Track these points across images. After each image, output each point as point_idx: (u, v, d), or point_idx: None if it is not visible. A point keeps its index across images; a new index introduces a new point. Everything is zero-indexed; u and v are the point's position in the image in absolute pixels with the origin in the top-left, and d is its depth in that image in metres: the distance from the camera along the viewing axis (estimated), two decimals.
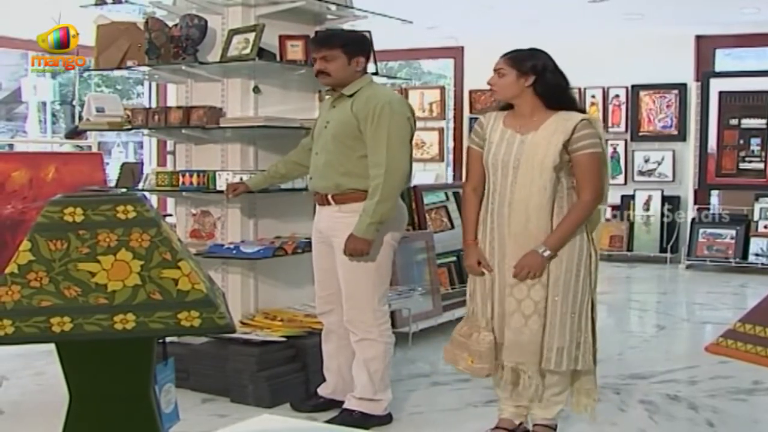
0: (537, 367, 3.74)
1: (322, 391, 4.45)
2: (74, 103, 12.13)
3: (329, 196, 4.13)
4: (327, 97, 4.37)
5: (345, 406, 4.27)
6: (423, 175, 11.39)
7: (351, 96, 4.11)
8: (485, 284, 3.81)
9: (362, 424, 4.05)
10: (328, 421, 3.97)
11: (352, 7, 5.38)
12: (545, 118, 3.72)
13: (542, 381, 3.84)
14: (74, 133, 8.69)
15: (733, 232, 9.89)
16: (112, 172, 8.13)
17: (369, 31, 5.11)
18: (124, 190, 5.18)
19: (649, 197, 10.52)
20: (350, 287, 4.13)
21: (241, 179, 4.66)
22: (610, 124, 10.82)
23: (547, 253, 3.64)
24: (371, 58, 4.51)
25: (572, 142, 3.66)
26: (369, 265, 4.09)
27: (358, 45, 4.17)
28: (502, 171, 3.74)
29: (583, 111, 3.87)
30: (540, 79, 3.72)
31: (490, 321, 3.79)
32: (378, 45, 5.25)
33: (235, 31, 4.84)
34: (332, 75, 4.10)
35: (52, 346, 1.49)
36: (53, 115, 14.74)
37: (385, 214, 4.00)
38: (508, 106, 3.86)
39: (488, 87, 3.86)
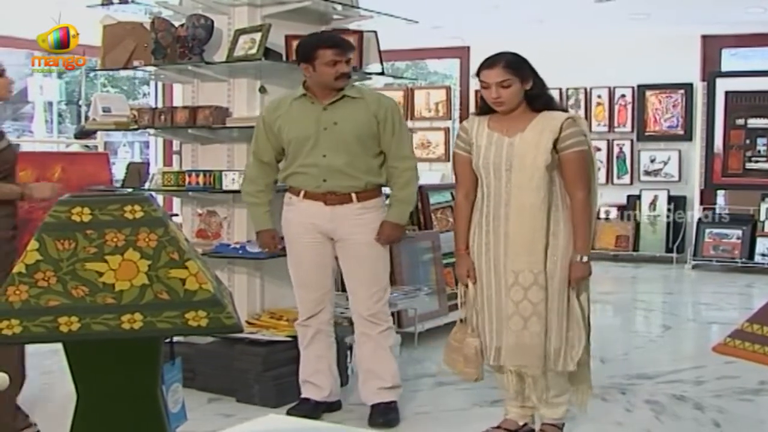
0: (541, 370, 3.75)
1: (316, 395, 4.39)
2: (80, 103, 12.15)
3: (352, 195, 4.17)
4: (289, 101, 4.24)
5: (379, 400, 4.31)
6: (429, 175, 11.36)
7: (357, 98, 4.18)
8: (482, 290, 3.83)
9: (396, 415, 4.33)
10: (372, 425, 4.19)
11: (358, 7, 5.38)
12: (530, 119, 3.75)
13: (546, 382, 3.86)
14: (83, 134, 8.70)
15: (740, 232, 9.87)
16: (119, 172, 8.14)
17: (375, 31, 5.13)
18: (130, 189, 5.20)
19: (655, 197, 10.50)
20: (374, 281, 4.26)
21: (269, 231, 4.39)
22: (616, 124, 10.82)
23: (585, 258, 3.69)
24: (377, 59, 4.56)
25: (560, 140, 3.69)
26: (386, 255, 4.30)
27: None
28: (495, 174, 3.75)
29: (565, 110, 3.91)
30: (536, 84, 3.75)
31: (475, 328, 3.86)
32: (384, 45, 5.25)
33: (241, 31, 4.84)
34: (350, 77, 4.25)
35: (58, 346, 1.49)
36: (59, 115, 14.76)
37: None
38: (487, 111, 3.84)
39: (493, 101, 3.74)
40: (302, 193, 4.21)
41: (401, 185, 4.24)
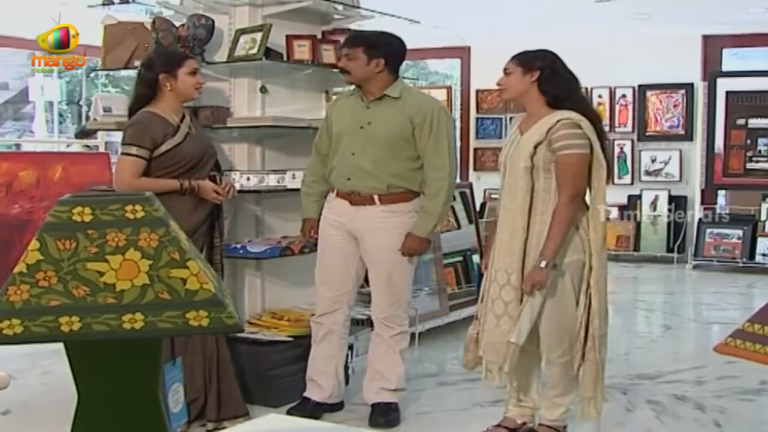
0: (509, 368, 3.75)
1: (318, 396, 4.39)
2: (81, 102, 12.16)
3: (375, 196, 4.16)
4: (346, 96, 4.35)
5: (380, 400, 4.32)
6: None
7: (396, 98, 4.15)
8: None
9: (397, 415, 4.33)
10: (373, 425, 4.18)
11: (359, 7, 5.38)
12: (541, 117, 3.73)
13: (524, 381, 3.92)
14: (84, 134, 8.69)
15: (740, 233, 9.87)
16: None
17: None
18: None
19: (656, 197, 10.50)
20: (394, 286, 4.24)
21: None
22: (617, 124, 10.82)
23: (543, 264, 3.59)
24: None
25: (552, 142, 3.65)
26: (405, 261, 4.23)
27: (380, 47, 4.17)
28: (502, 171, 3.82)
29: (587, 111, 3.81)
30: (544, 76, 3.72)
31: (478, 318, 3.90)
32: None
33: (242, 31, 4.84)
34: (351, 73, 4.16)
35: (59, 346, 1.49)
36: (60, 114, 14.76)
37: (444, 214, 4.27)
38: None
39: (498, 87, 3.90)
40: (335, 192, 4.27)
41: (430, 196, 4.15)
